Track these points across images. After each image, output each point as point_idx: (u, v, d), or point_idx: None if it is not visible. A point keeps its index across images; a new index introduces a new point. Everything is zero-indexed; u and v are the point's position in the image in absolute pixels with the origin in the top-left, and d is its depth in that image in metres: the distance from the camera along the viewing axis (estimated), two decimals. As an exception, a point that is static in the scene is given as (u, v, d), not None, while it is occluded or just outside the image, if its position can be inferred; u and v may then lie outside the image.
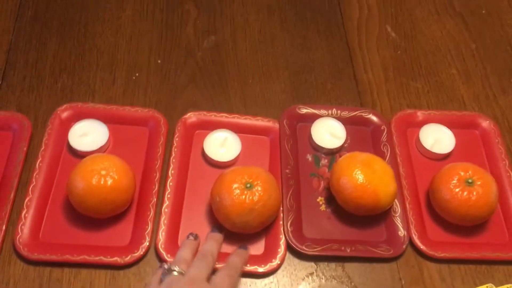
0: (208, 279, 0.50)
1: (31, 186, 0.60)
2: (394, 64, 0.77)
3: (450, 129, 0.68)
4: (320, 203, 0.63)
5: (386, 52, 0.78)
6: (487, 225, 0.62)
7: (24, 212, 0.58)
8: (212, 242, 0.56)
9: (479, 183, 0.59)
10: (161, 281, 0.50)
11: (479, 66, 0.78)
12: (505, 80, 0.77)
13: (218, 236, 0.57)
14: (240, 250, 0.57)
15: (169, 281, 0.49)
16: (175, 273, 0.50)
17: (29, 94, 0.68)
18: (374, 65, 0.76)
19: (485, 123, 0.70)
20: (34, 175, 0.60)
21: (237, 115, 0.68)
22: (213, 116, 0.67)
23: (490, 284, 0.58)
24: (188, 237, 0.56)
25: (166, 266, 0.51)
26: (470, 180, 0.59)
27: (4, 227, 0.57)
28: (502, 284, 0.58)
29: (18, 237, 0.57)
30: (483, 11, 0.85)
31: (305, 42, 0.78)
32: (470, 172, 0.60)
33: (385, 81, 0.75)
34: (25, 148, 0.62)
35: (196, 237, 0.57)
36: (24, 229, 0.57)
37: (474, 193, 0.58)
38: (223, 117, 0.67)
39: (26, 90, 0.69)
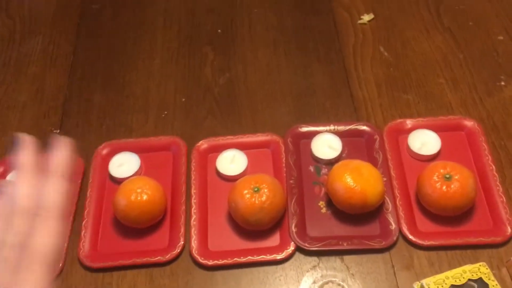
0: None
1: (85, 211, 0.75)
2: (387, 80, 0.86)
3: (437, 133, 0.76)
4: (321, 206, 0.73)
5: (379, 70, 0.88)
6: (473, 215, 0.70)
7: (83, 232, 0.73)
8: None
9: (456, 177, 0.67)
10: None
11: (466, 74, 0.85)
12: (491, 84, 0.84)
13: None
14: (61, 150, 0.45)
15: None
16: None
17: (82, 137, 0.84)
18: (368, 83, 0.86)
19: (470, 124, 0.78)
20: (87, 202, 0.76)
21: (240, 135, 0.80)
22: (221, 140, 0.80)
23: (483, 262, 0.64)
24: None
25: None
26: (447, 176, 0.67)
27: (66, 245, 0.72)
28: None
29: (80, 251, 0.71)
30: (471, 23, 0.92)
31: (307, 70, 0.89)
32: (448, 168, 0.68)
33: (378, 96, 0.84)
34: (79, 181, 0.78)
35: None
36: (85, 245, 0.72)
37: (452, 186, 0.66)
38: (229, 139, 0.80)
39: (80, 135, 0.85)
